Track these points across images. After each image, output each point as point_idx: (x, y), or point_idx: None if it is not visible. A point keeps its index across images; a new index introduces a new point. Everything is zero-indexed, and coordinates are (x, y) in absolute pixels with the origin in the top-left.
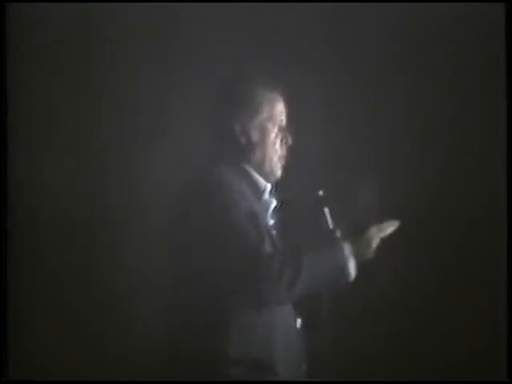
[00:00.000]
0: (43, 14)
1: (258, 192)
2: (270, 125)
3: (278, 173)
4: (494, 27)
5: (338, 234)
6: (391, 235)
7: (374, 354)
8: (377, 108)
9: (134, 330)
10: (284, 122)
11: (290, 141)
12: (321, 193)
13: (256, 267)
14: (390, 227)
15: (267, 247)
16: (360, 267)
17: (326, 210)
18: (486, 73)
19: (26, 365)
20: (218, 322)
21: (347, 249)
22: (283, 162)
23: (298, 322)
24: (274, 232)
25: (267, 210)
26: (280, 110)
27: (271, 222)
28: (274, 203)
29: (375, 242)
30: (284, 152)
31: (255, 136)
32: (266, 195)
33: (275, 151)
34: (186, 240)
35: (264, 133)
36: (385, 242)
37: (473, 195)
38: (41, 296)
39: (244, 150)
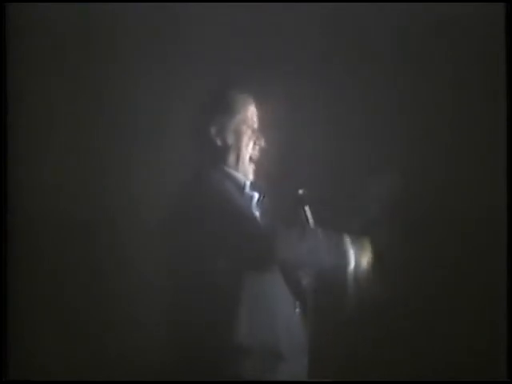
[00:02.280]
0: (43, 13)
1: (240, 187)
2: (243, 127)
3: (251, 175)
4: (494, 27)
5: (319, 232)
6: (391, 236)
7: (374, 353)
8: (376, 108)
9: (134, 329)
10: (256, 125)
11: (262, 143)
12: (301, 191)
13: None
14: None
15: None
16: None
17: (307, 209)
18: (486, 73)
19: (26, 365)
20: (221, 314)
21: (347, 240)
22: (256, 164)
23: (297, 309)
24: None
25: (251, 202)
26: (253, 112)
27: (256, 213)
28: (256, 196)
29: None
30: (257, 153)
31: (230, 138)
32: (247, 189)
33: (248, 153)
34: (185, 231)
35: (238, 135)
36: (385, 242)
37: (473, 195)
38: (41, 296)
39: (220, 152)
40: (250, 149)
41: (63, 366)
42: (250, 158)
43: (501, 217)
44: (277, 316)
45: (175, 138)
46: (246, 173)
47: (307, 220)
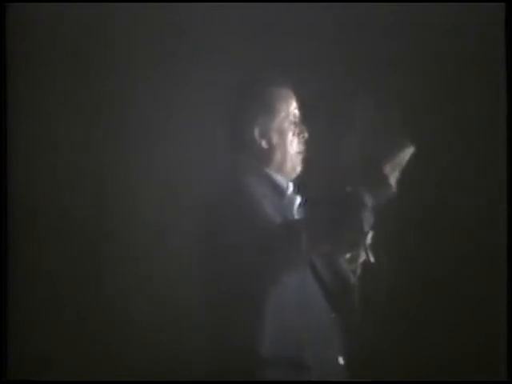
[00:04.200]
0: (43, 13)
1: (281, 191)
2: (287, 124)
3: (299, 169)
4: (494, 27)
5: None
6: (392, 235)
7: (372, 353)
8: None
9: (134, 329)
10: (298, 118)
11: (306, 135)
12: (349, 188)
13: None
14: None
15: (303, 259)
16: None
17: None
18: (486, 73)
19: (26, 365)
20: (249, 321)
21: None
22: (302, 158)
23: (333, 317)
24: (300, 228)
25: (292, 207)
26: (294, 106)
27: (297, 218)
28: (298, 200)
29: (393, 178)
30: (302, 147)
31: (275, 138)
32: (289, 193)
33: (294, 148)
34: (214, 243)
35: (283, 133)
36: (385, 241)
37: (473, 195)
38: (41, 296)
39: (264, 154)
40: (295, 145)
41: (63, 366)
42: (297, 154)
43: (501, 217)
44: (309, 322)
45: (182, 138)
46: (295, 168)
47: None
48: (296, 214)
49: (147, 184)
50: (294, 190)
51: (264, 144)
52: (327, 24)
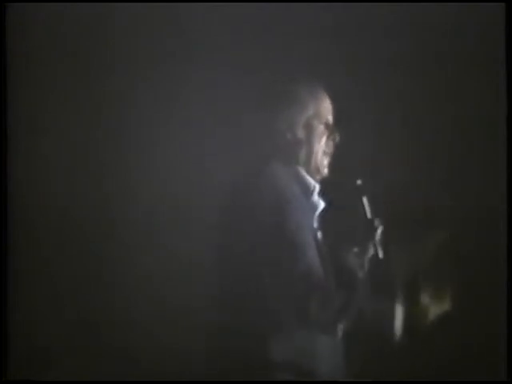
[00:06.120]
0: (43, 13)
1: (307, 192)
2: (315, 122)
3: (325, 170)
4: (494, 27)
5: (377, 223)
6: (393, 234)
7: (372, 353)
8: (373, 107)
9: (134, 329)
10: (331, 120)
11: (337, 138)
12: (359, 182)
13: (306, 287)
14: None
15: (317, 263)
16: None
17: (365, 199)
18: (486, 73)
19: (26, 365)
20: (260, 331)
21: (399, 310)
22: (330, 160)
23: (340, 328)
24: (319, 235)
25: (315, 211)
26: (326, 107)
27: (316, 224)
28: (321, 205)
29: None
30: (331, 149)
31: (301, 133)
32: (315, 196)
33: (321, 148)
34: (233, 240)
35: (310, 130)
36: (387, 240)
37: (473, 195)
38: (41, 296)
39: (291, 148)
40: (323, 144)
41: (63, 366)
42: (324, 153)
43: (501, 217)
44: (317, 335)
45: (182, 138)
46: (319, 168)
47: (364, 212)
48: (317, 218)
49: (147, 184)
50: (319, 193)
51: (291, 138)
52: (327, 24)
